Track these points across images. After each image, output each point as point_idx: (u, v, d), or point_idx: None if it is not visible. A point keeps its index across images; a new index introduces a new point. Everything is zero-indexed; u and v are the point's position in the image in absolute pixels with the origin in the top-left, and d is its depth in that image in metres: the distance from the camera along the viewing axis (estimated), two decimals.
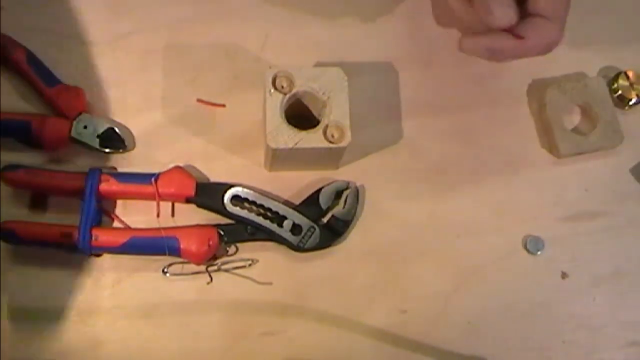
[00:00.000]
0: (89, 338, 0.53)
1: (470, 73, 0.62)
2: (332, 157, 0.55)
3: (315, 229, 0.55)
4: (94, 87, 0.58)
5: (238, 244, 0.55)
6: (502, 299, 0.56)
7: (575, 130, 0.61)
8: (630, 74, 0.61)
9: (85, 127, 0.56)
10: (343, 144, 0.52)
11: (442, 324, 0.55)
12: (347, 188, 0.56)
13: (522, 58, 0.52)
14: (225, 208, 0.54)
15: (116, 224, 0.55)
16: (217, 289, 0.54)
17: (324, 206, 0.56)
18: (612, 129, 0.60)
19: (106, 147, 0.56)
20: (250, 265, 0.55)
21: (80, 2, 0.61)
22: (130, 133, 0.58)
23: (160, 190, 0.54)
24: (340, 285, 0.56)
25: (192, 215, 0.55)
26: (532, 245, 0.57)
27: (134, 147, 0.57)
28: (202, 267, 0.54)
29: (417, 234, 0.57)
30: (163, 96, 0.59)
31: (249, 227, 0.55)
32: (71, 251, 0.53)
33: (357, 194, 0.56)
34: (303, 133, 0.52)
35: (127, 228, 0.55)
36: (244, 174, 0.57)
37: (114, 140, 0.56)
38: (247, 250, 0.55)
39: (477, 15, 0.51)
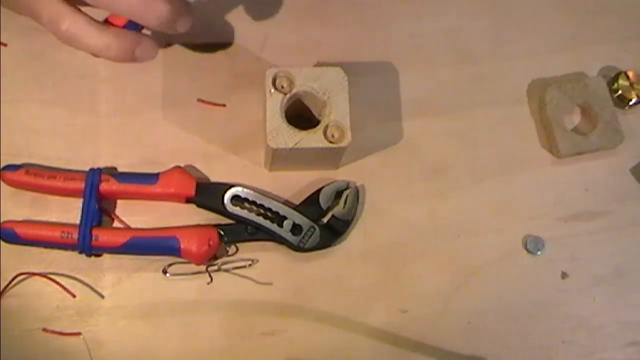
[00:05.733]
0: (89, 338, 0.53)
1: (470, 73, 0.62)
2: (332, 157, 0.55)
3: (315, 229, 0.55)
4: (94, 87, 0.58)
5: (238, 244, 0.55)
6: (502, 299, 0.56)
7: (575, 130, 0.61)
8: (630, 74, 0.61)
9: None
10: (343, 144, 0.52)
11: (442, 324, 0.55)
12: (347, 188, 0.56)
13: None
14: (225, 208, 0.54)
15: (116, 224, 0.55)
16: (217, 289, 0.54)
17: (324, 206, 0.56)
18: (612, 129, 0.60)
19: None
20: (250, 265, 0.55)
21: None
22: None
23: (160, 190, 0.54)
24: (340, 285, 0.56)
25: (192, 215, 0.55)
26: (532, 245, 0.57)
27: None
28: (202, 267, 0.54)
29: (417, 234, 0.57)
30: (163, 96, 0.59)
31: (249, 227, 0.55)
32: (71, 251, 0.53)
33: (357, 194, 0.56)
34: (303, 133, 0.52)
35: (127, 228, 0.55)
36: (244, 174, 0.57)
37: None
38: (247, 250, 0.55)
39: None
